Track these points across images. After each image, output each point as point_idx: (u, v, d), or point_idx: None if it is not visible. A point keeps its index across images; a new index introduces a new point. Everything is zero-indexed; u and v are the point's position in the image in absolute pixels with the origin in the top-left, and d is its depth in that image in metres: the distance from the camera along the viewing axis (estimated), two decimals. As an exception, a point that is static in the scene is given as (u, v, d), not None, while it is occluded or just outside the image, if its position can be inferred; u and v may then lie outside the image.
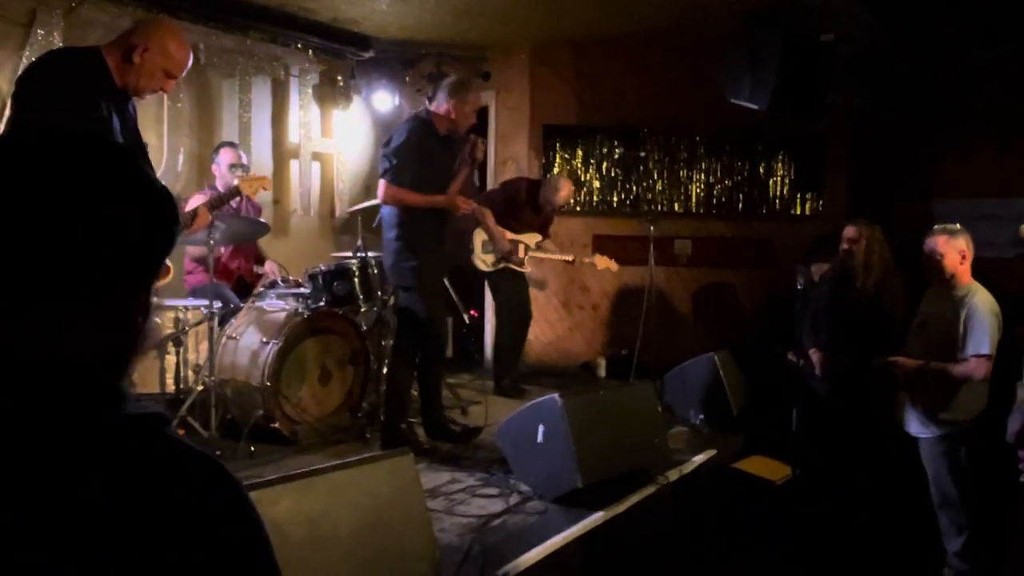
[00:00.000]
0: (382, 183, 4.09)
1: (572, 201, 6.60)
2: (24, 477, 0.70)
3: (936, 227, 3.51)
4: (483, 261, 5.58)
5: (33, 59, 4.16)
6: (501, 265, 5.56)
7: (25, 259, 0.75)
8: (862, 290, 4.18)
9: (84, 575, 0.69)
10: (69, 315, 0.76)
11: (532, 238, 5.65)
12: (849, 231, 4.27)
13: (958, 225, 3.49)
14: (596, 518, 3.32)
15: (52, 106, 2.57)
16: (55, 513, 0.69)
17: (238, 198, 4.78)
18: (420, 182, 4.05)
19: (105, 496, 0.71)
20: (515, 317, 5.69)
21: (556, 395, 3.49)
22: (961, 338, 3.37)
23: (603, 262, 5.73)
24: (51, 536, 0.69)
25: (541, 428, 3.50)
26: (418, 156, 4.03)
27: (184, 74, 2.91)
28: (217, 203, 3.83)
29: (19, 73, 2.81)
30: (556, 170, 6.58)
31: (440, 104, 4.14)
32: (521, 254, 5.59)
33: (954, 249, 3.42)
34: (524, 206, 5.61)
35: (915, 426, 3.53)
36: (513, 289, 5.66)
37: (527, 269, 5.68)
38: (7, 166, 0.77)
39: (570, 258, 5.81)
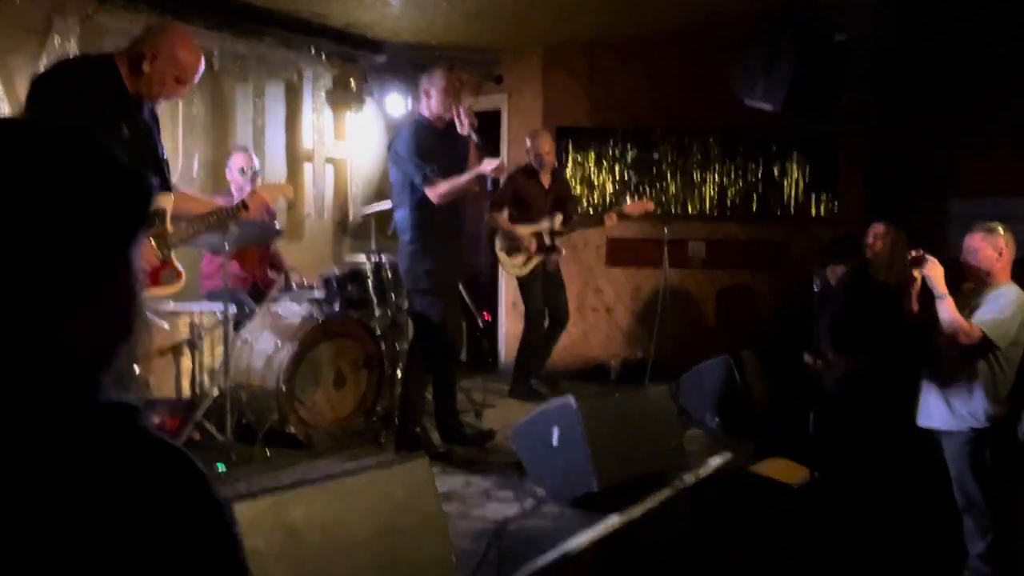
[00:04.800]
0: (427, 191, 3.98)
1: (585, 204, 6.59)
2: None
3: (977, 224, 3.47)
4: (513, 266, 5.45)
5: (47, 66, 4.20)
6: (533, 264, 5.40)
7: None
8: (883, 287, 4.14)
9: (39, 560, 0.69)
10: (25, 304, 0.75)
11: (555, 220, 5.45)
12: (877, 227, 4.28)
13: (999, 224, 3.44)
14: (612, 521, 3.30)
15: (59, 113, 2.60)
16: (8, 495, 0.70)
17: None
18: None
19: (64, 480, 0.71)
20: (551, 318, 5.56)
21: (571, 398, 3.47)
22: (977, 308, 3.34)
23: (636, 207, 5.57)
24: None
25: (556, 431, 3.48)
26: (427, 148, 4.02)
27: (197, 79, 2.89)
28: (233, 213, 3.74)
29: (32, 79, 2.81)
30: (568, 171, 6.55)
31: (425, 101, 4.12)
32: (548, 241, 5.42)
33: (990, 246, 3.38)
34: (528, 186, 5.44)
35: (937, 421, 3.48)
36: (546, 290, 5.49)
37: (563, 252, 5.52)
38: None
39: (600, 216, 5.60)
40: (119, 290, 0.80)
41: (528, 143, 5.55)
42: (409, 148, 4.04)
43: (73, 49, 4.58)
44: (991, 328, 3.27)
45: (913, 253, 3.48)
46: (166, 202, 2.93)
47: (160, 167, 2.92)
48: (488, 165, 3.94)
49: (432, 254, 4.06)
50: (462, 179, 3.98)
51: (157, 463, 0.78)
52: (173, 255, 2.96)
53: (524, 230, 5.39)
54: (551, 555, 2.97)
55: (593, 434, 3.38)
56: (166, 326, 3.95)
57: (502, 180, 5.39)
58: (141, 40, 2.80)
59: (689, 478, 3.81)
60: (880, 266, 4.18)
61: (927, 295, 3.52)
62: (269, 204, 3.58)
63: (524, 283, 5.51)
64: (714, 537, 3.62)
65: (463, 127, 4.06)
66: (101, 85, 2.71)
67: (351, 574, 2.31)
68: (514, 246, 5.43)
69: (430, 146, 4.06)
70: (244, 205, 3.28)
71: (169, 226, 2.94)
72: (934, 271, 3.36)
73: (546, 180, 5.53)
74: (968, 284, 3.50)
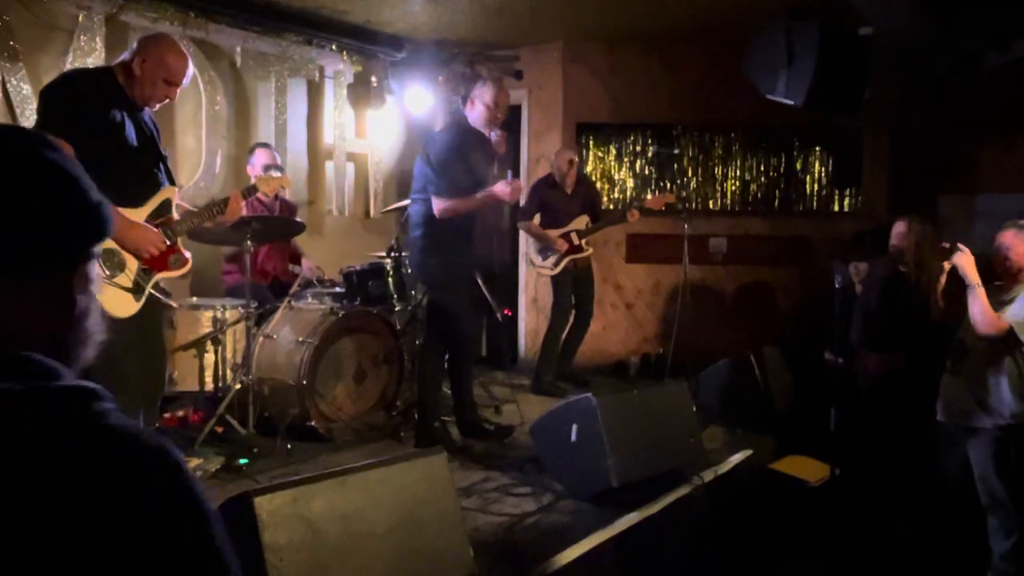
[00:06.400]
0: (434, 200, 4.05)
1: (606, 199, 6.58)
2: None
3: (1008, 222, 3.43)
4: (545, 268, 5.70)
5: (68, 68, 4.35)
6: (564, 264, 5.62)
7: None
8: (916, 287, 4.06)
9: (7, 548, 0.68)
10: None
11: (581, 222, 5.68)
12: (899, 226, 4.15)
13: None
14: (630, 518, 3.30)
15: (68, 115, 2.82)
16: None
17: (272, 198, 4.84)
18: (464, 186, 4.06)
19: (14, 468, 0.70)
20: (577, 314, 5.75)
21: (590, 394, 3.47)
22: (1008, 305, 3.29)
23: (657, 201, 5.72)
24: None
25: (575, 427, 3.49)
26: (458, 161, 4.05)
27: (186, 82, 3.14)
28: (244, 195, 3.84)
29: (41, 90, 3.03)
30: (588, 168, 6.56)
31: (469, 107, 4.18)
32: (576, 241, 5.64)
33: (1022, 243, 3.33)
34: (552, 195, 5.67)
35: (961, 418, 3.43)
36: (575, 288, 5.72)
37: (589, 251, 5.71)
38: None
39: (622, 213, 5.72)
40: (66, 291, 0.85)
41: (554, 161, 5.80)
42: (441, 156, 4.05)
43: (98, 47, 4.65)
44: (1019, 324, 3.22)
45: (944, 244, 3.44)
46: (171, 194, 3.19)
47: (165, 164, 3.20)
48: (503, 188, 3.98)
49: (442, 249, 4.08)
50: (474, 200, 4.05)
51: (119, 446, 0.76)
52: (180, 241, 3.20)
53: (553, 233, 5.62)
54: (569, 551, 2.97)
55: (611, 430, 3.38)
56: (174, 303, 4.02)
57: (525, 194, 5.62)
58: (133, 49, 3.07)
59: (708, 475, 3.80)
60: (910, 264, 4.06)
61: (954, 290, 3.47)
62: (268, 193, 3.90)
63: (556, 280, 5.70)
64: (733, 534, 3.60)
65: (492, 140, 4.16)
66: (105, 94, 2.96)
67: (369, 567, 2.33)
68: (545, 249, 5.66)
69: (467, 148, 4.09)
70: (223, 207, 3.35)
71: (175, 214, 3.18)
72: (965, 260, 3.33)
73: (570, 187, 5.71)
74: (998, 282, 3.45)
